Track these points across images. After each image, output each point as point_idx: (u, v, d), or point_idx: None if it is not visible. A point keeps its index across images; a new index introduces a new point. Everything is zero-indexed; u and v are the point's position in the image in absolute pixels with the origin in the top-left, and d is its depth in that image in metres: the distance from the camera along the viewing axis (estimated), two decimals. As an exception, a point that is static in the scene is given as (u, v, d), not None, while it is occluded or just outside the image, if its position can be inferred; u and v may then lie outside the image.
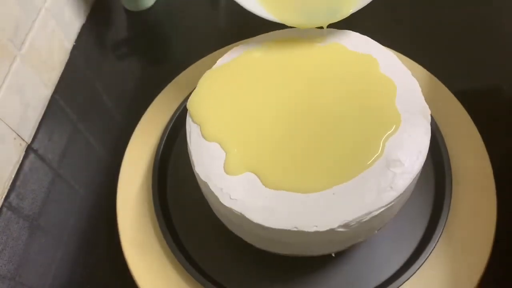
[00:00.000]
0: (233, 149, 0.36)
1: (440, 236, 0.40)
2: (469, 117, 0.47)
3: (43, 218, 0.48)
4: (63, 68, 0.60)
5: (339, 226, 0.32)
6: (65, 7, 0.61)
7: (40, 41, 0.55)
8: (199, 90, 0.41)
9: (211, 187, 0.35)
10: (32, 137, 0.53)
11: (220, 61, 0.43)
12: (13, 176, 0.49)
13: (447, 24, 0.60)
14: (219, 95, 0.40)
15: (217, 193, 0.34)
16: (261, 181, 0.35)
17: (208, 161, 0.36)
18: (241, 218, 0.34)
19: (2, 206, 0.46)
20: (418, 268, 0.39)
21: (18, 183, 0.48)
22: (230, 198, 0.34)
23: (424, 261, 0.39)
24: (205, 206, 0.41)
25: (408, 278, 0.39)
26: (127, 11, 0.67)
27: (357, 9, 0.42)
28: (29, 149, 0.51)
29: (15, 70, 0.50)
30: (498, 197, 0.42)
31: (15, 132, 0.49)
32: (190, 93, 0.50)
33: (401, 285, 0.38)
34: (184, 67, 0.55)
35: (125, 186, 0.47)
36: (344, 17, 0.42)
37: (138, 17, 0.67)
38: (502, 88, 0.53)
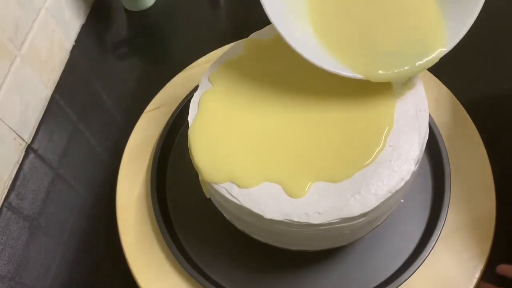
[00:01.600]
0: (283, 178, 0.35)
1: (438, 238, 0.40)
2: (469, 119, 0.47)
3: (43, 218, 0.48)
4: (63, 68, 0.60)
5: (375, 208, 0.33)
6: (65, 7, 0.61)
7: (40, 41, 0.55)
8: (204, 159, 0.36)
9: (298, 219, 0.33)
10: (32, 137, 0.53)
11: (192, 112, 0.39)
12: (13, 176, 0.49)
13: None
14: (223, 142, 0.37)
15: (304, 219, 0.33)
16: (330, 181, 0.34)
17: (271, 201, 0.34)
18: (328, 225, 0.33)
19: (2, 206, 0.46)
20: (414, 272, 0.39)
21: (18, 183, 0.48)
22: (319, 213, 0.33)
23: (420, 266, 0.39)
24: (205, 204, 0.41)
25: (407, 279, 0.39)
26: (127, 11, 0.67)
27: (449, 50, 0.33)
28: (29, 149, 0.52)
29: (15, 70, 0.50)
30: (498, 197, 0.43)
31: (15, 132, 0.50)
32: (190, 92, 0.51)
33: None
34: (183, 67, 0.55)
35: (124, 186, 0.47)
36: (434, 62, 0.33)
37: (138, 17, 0.67)
38: (503, 89, 0.53)
